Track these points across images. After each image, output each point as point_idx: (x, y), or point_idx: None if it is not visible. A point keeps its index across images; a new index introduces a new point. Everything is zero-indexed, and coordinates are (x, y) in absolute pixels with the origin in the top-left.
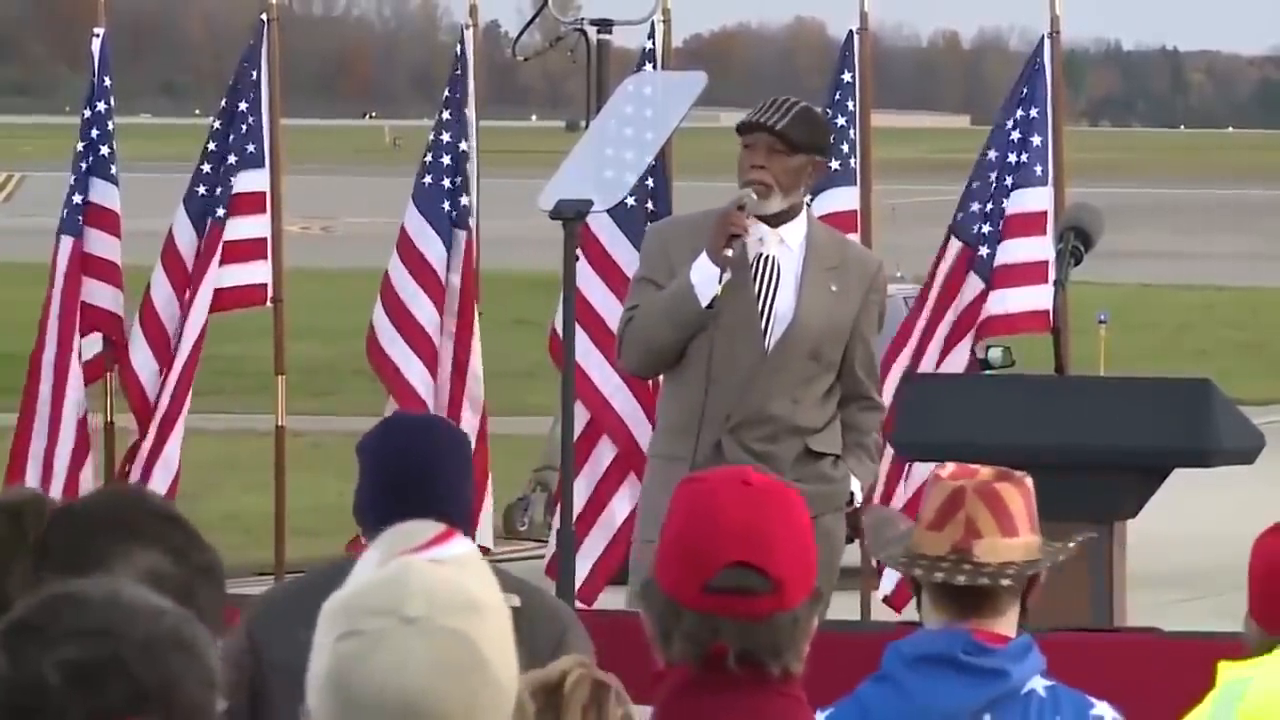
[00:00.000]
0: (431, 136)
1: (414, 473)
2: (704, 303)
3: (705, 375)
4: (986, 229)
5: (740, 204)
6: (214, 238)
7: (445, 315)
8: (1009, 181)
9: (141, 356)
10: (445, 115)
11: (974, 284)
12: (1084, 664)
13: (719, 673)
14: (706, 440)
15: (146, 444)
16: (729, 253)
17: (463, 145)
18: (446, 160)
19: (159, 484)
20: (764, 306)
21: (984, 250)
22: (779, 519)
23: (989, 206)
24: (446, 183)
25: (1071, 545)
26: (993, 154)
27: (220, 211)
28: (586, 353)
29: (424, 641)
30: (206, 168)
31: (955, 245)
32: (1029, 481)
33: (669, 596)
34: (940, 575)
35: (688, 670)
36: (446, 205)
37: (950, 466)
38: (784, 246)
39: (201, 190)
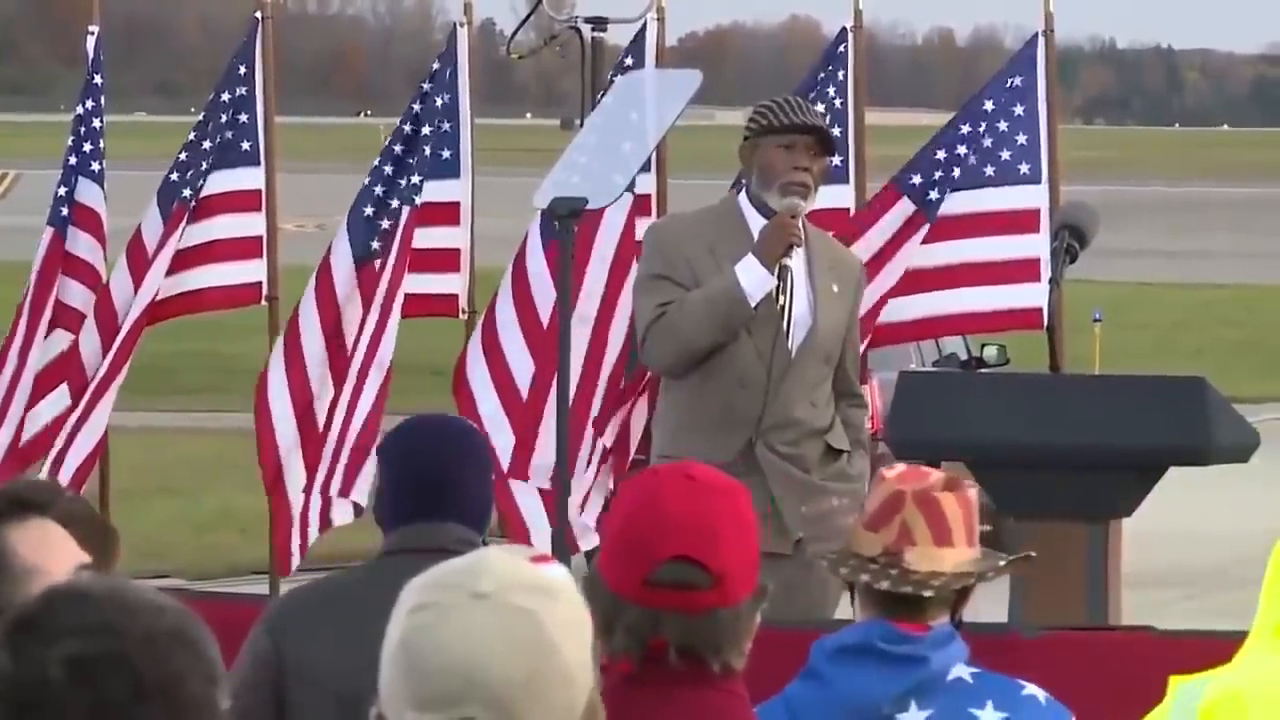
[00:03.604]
0: (403, 127)
1: (431, 474)
2: (753, 307)
3: (738, 379)
4: (934, 195)
5: (794, 212)
6: (176, 219)
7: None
8: (965, 170)
9: (89, 339)
10: (416, 107)
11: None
12: (1078, 663)
13: (659, 667)
14: (736, 442)
15: (75, 414)
16: (788, 261)
17: (425, 129)
18: (399, 148)
19: (80, 449)
20: (784, 310)
21: (933, 194)
22: (723, 514)
23: (938, 174)
24: (388, 169)
25: (1003, 564)
26: (964, 128)
27: (186, 193)
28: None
29: (492, 616)
30: (183, 156)
31: (907, 206)
32: (973, 493)
33: (612, 589)
34: (865, 577)
35: (629, 664)
36: (380, 190)
37: (899, 468)
38: (791, 249)
39: (174, 177)
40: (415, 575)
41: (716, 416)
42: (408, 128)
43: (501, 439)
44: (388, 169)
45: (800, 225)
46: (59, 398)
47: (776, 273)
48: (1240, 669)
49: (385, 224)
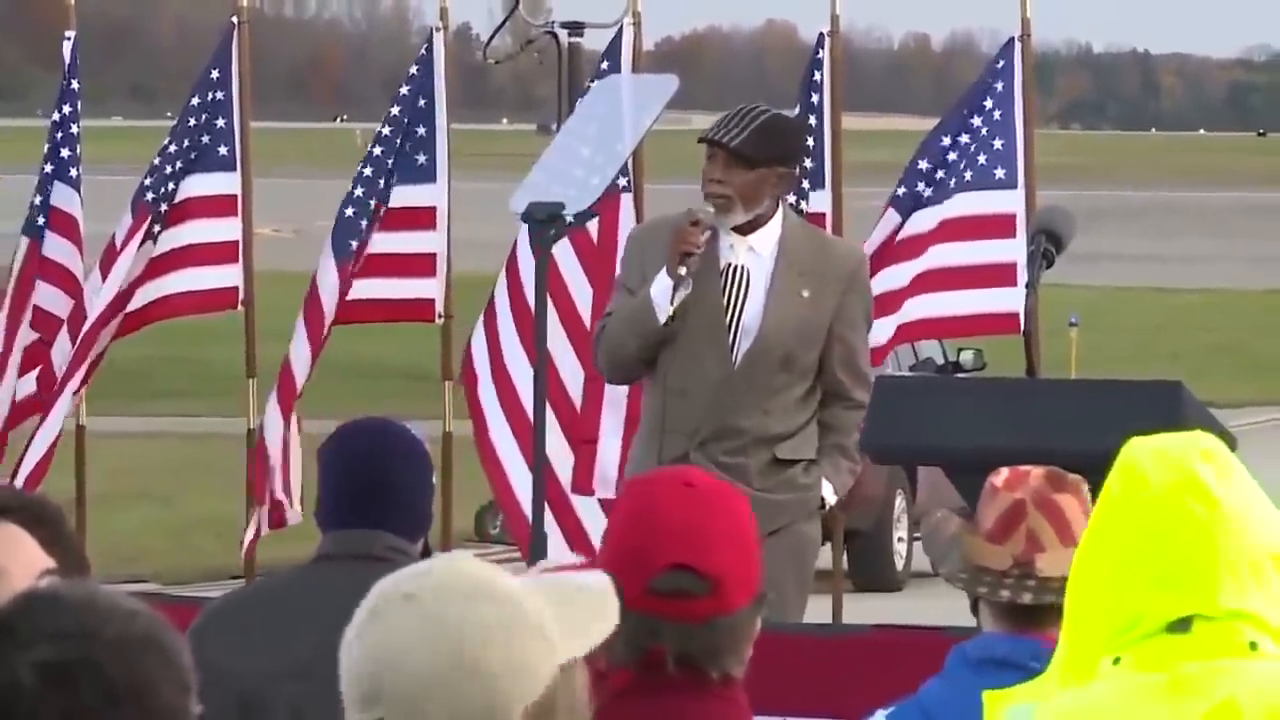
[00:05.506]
0: (381, 130)
1: (368, 478)
2: (661, 318)
3: (677, 387)
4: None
5: (694, 219)
6: (140, 221)
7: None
8: (948, 177)
9: (61, 345)
10: (395, 110)
11: (921, 221)
12: None
13: (658, 676)
14: (671, 451)
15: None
16: (683, 270)
17: (408, 145)
18: (378, 151)
19: (36, 451)
20: (732, 318)
21: (925, 190)
22: (721, 522)
23: (920, 185)
24: (367, 170)
25: None
26: (945, 140)
27: (149, 196)
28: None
29: (411, 618)
30: (156, 160)
31: (894, 217)
32: (1085, 487)
33: None
34: (1005, 594)
35: (628, 673)
36: (360, 191)
37: (1003, 473)
38: (754, 254)
39: (146, 182)
40: (342, 581)
41: (656, 422)
42: (386, 130)
43: (558, 453)
44: (366, 171)
45: (699, 233)
46: (8, 388)
47: (733, 275)
48: (1064, 693)
49: (363, 223)
